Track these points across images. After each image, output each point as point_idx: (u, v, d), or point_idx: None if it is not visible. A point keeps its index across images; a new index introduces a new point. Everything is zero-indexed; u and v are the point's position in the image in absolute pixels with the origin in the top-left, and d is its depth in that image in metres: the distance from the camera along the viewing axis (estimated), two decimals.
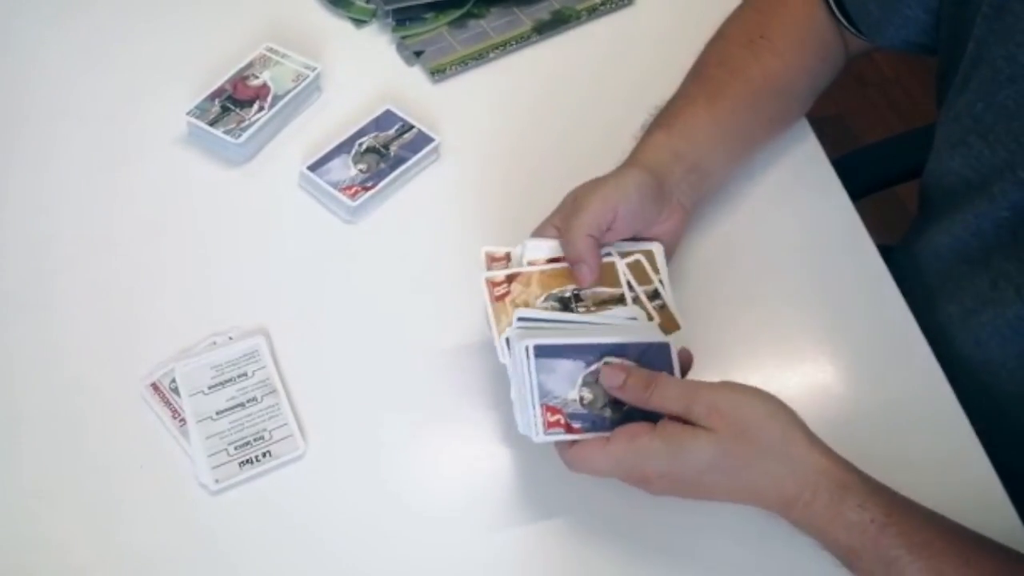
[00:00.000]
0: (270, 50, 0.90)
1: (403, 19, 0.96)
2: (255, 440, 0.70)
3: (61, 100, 0.90)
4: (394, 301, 0.79)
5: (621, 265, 0.72)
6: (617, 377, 0.64)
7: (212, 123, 0.85)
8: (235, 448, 0.70)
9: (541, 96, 0.91)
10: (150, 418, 0.72)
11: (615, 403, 0.65)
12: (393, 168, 0.84)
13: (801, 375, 0.76)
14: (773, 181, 0.86)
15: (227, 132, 0.84)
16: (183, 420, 0.71)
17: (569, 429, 0.64)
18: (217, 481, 0.68)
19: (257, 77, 0.88)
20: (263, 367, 0.74)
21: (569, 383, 0.65)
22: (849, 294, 0.80)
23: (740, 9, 0.86)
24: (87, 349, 0.75)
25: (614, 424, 0.64)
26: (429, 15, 0.96)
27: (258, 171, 0.86)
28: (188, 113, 0.85)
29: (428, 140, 0.86)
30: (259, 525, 0.68)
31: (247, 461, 0.69)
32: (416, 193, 0.85)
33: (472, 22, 0.96)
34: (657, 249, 0.73)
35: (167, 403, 0.72)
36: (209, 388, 0.72)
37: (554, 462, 0.68)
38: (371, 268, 0.81)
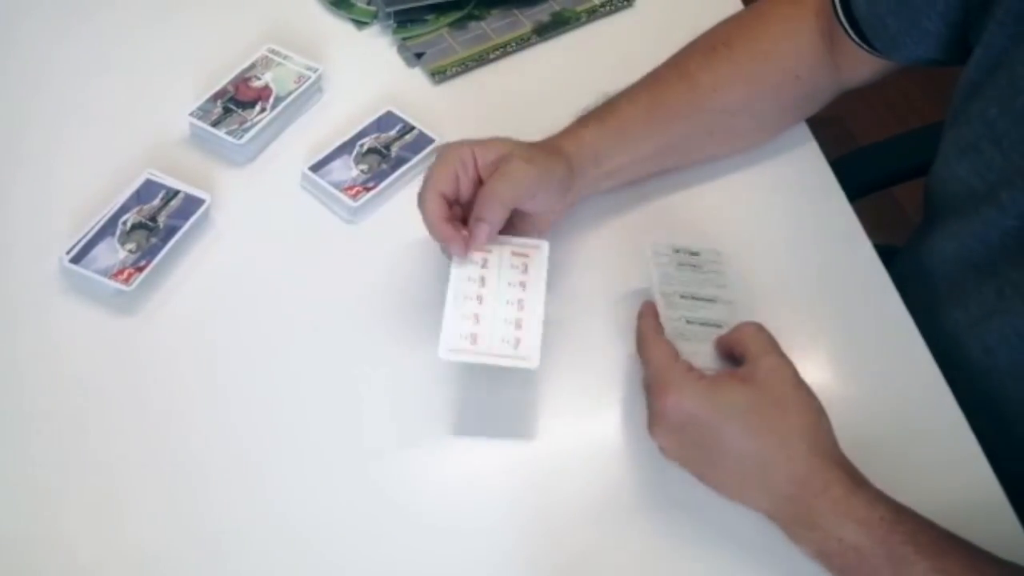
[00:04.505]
0: (272, 52, 0.90)
1: (404, 21, 0.96)
2: None
3: (63, 102, 0.90)
4: (395, 300, 0.79)
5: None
6: None
7: (214, 124, 0.85)
8: None
9: (541, 97, 0.91)
10: (155, 414, 0.73)
11: None
12: (394, 169, 0.84)
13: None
14: (771, 182, 0.86)
15: (229, 133, 0.85)
16: None
17: None
18: None
19: (259, 78, 0.89)
20: None
21: None
22: (847, 294, 0.80)
23: (727, 19, 0.85)
24: (93, 348, 0.76)
25: None
26: (430, 17, 0.97)
27: (260, 172, 0.86)
28: (191, 114, 0.86)
29: (429, 141, 0.86)
30: (258, 520, 0.69)
31: None
32: (417, 193, 0.85)
33: (472, 24, 0.97)
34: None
35: None
36: None
37: (558, 460, 0.69)
38: (372, 268, 0.81)
